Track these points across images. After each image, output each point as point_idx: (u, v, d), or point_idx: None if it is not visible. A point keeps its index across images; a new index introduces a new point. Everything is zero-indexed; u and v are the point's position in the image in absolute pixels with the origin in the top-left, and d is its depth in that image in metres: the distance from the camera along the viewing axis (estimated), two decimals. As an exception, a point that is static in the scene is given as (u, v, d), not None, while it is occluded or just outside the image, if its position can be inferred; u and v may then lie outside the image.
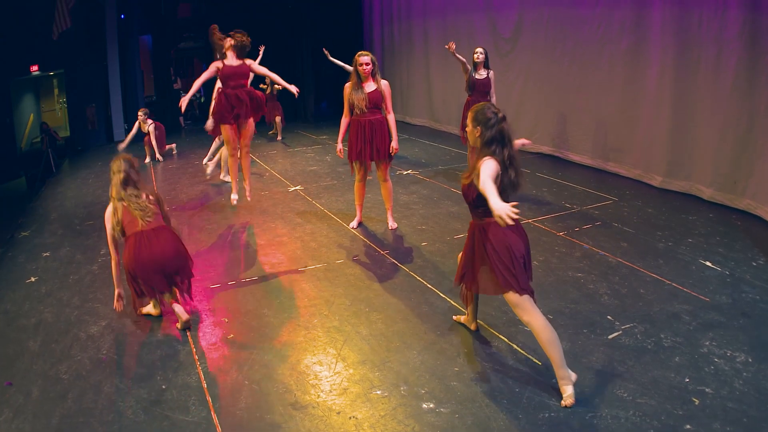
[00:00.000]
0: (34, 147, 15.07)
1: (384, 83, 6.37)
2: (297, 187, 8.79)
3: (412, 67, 14.66)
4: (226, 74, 6.96)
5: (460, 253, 4.00)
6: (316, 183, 9.02)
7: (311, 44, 15.83)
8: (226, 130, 7.20)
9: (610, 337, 4.25)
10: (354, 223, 6.92)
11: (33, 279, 5.80)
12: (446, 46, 8.30)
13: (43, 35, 12.95)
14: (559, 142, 10.29)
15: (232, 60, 6.96)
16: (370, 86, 6.30)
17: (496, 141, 3.49)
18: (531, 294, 3.60)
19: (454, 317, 4.61)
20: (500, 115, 3.53)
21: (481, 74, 7.93)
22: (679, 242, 6.09)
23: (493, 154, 3.48)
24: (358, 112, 6.34)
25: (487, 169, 3.37)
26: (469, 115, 3.62)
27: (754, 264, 5.53)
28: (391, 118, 6.47)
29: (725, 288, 5.03)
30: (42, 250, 6.63)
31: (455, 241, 6.30)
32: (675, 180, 8.04)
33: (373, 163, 6.62)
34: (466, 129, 3.65)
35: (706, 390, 3.61)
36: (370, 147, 6.38)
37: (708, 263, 5.53)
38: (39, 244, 6.89)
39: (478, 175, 3.39)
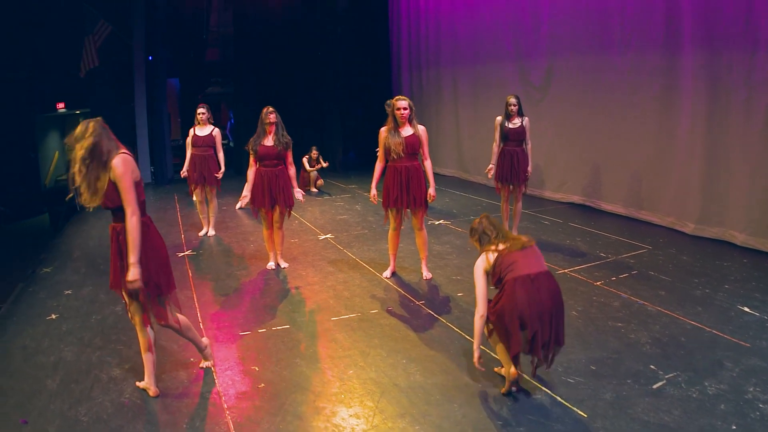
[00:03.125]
0: (59, 184, 15.06)
1: (421, 128, 6.20)
2: (327, 236, 8.56)
3: (441, 116, 14.57)
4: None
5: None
6: (346, 232, 8.79)
7: (340, 93, 15.89)
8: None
9: (655, 386, 4.09)
10: (387, 273, 6.67)
11: (54, 316, 5.59)
12: (486, 172, 8.02)
13: (71, 73, 13.02)
14: (590, 192, 10.15)
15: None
16: (407, 131, 6.13)
17: (484, 235, 4.18)
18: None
19: (495, 369, 4.37)
20: (480, 220, 4.27)
21: (515, 123, 7.64)
22: (716, 289, 5.98)
23: (488, 244, 4.12)
24: (395, 157, 6.14)
25: (477, 270, 4.09)
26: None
27: (791, 307, 5.43)
28: (428, 164, 6.30)
29: (765, 333, 4.92)
30: (64, 288, 6.44)
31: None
32: (708, 227, 7.99)
33: (408, 211, 6.40)
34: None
35: (753, 436, 3.43)
36: (406, 194, 6.17)
37: (746, 309, 5.43)
38: (61, 281, 6.71)
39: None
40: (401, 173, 6.15)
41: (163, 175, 14.02)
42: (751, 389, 3.99)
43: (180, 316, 4.21)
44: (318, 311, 5.65)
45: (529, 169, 7.80)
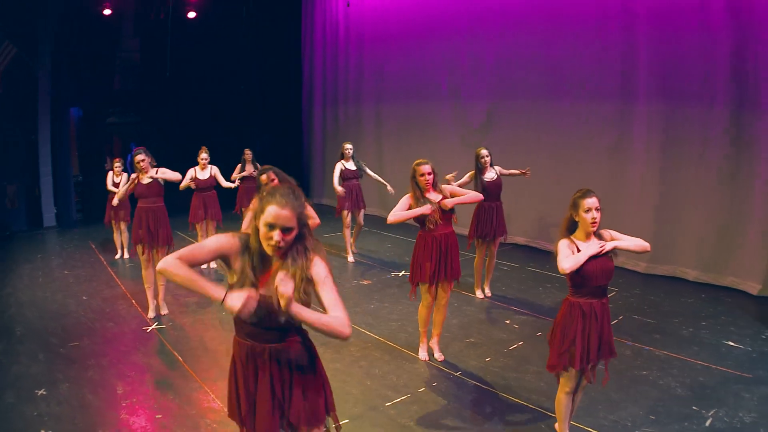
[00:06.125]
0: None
1: (447, 188, 5.66)
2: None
3: (361, 155, 13.89)
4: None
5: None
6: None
7: (250, 123, 15.35)
8: None
9: (707, 424, 4.53)
10: (424, 355, 5.95)
11: (45, 436, 4.53)
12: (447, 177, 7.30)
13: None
14: (534, 234, 10.28)
15: None
16: (434, 197, 5.49)
17: None
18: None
19: None
20: None
21: (491, 176, 7.46)
22: (697, 327, 6.54)
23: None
24: (432, 227, 5.50)
25: None
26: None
27: (764, 337, 6.24)
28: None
29: (757, 364, 5.57)
30: (31, 386, 5.30)
31: (514, 352, 6.04)
32: (659, 265, 8.50)
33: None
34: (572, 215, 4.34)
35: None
36: (444, 266, 5.53)
37: (731, 343, 6.08)
38: (21, 375, 5.56)
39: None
40: (440, 243, 5.51)
41: (68, 216, 12.63)
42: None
43: None
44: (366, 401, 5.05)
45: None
